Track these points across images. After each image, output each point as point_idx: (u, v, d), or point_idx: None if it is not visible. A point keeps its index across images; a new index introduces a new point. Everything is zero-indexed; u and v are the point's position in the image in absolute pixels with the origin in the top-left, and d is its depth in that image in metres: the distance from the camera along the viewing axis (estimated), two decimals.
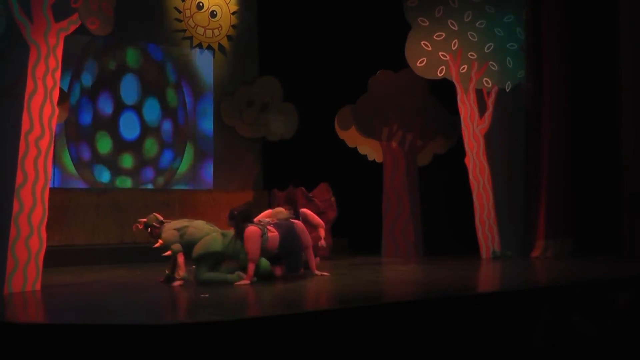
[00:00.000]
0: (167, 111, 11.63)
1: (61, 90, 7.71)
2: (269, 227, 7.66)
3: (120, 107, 11.22)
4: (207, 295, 6.70)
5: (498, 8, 10.40)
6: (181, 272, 7.51)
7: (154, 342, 4.77)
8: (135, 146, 11.35)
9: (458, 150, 10.45)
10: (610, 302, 4.12)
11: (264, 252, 7.56)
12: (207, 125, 11.99)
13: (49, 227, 7.07)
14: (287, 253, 7.77)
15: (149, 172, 11.49)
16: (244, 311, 6.12)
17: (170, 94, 11.67)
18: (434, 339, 3.57)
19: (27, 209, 6.79)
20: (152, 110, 11.49)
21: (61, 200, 10.05)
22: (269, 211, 8.37)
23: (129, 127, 11.27)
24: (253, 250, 7.43)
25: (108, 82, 11.12)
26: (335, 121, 11.01)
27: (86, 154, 10.99)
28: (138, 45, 11.32)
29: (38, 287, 6.90)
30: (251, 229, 7.51)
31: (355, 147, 11.07)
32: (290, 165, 11.44)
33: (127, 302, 6.52)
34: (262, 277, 7.57)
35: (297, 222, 7.99)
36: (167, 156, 11.65)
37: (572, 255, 10.17)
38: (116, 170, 11.23)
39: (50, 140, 7.03)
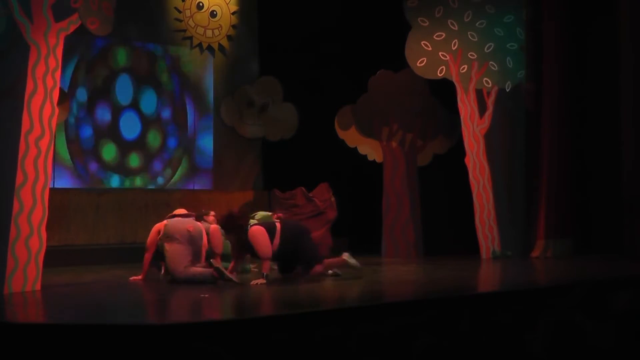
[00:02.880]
0: (165, 98, 11.58)
1: (61, 90, 7.70)
2: None
3: (118, 110, 11.17)
4: (207, 295, 6.70)
5: (498, 8, 10.40)
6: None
7: (154, 342, 4.77)
8: (139, 143, 11.32)
9: (458, 150, 10.45)
10: (611, 302, 4.13)
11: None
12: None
13: (49, 227, 7.06)
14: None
15: (157, 165, 11.47)
16: (244, 311, 6.11)
17: (165, 79, 11.61)
18: (434, 339, 3.57)
19: (27, 209, 6.78)
20: (149, 102, 11.43)
21: (61, 200, 10.04)
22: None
23: (129, 127, 11.24)
24: (264, 248, 7.42)
25: (103, 91, 11.05)
26: (335, 121, 11.01)
27: (93, 166, 10.97)
28: (126, 43, 11.25)
29: (38, 287, 6.90)
30: (256, 228, 7.51)
31: (355, 147, 11.06)
32: (290, 165, 11.44)
33: (127, 302, 6.52)
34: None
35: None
36: (171, 144, 11.63)
37: (572, 255, 10.17)
38: (125, 172, 11.22)
39: (51, 140, 7.03)
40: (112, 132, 11.10)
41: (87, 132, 10.93)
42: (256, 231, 7.46)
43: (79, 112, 10.85)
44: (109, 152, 11.08)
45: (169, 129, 11.61)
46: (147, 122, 11.39)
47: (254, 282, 7.32)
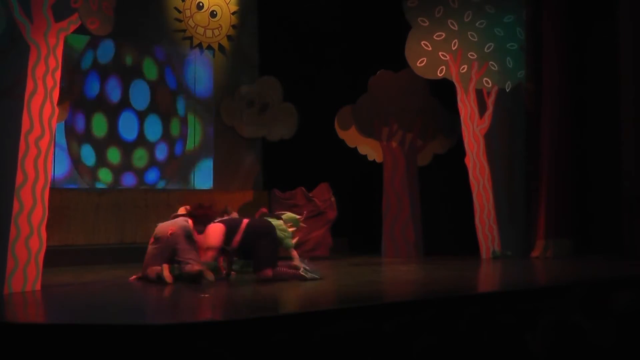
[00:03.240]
0: (165, 99, 11.54)
1: (61, 90, 7.69)
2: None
3: (115, 114, 11.13)
4: (207, 295, 6.71)
5: (498, 8, 10.40)
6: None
7: (154, 342, 4.77)
8: (140, 140, 11.30)
9: (458, 150, 10.45)
10: (610, 302, 4.12)
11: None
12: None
13: (49, 227, 7.06)
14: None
15: (157, 165, 11.46)
16: (244, 311, 6.11)
17: (165, 79, 11.58)
18: (434, 339, 3.57)
19: (27, 209, 6.78)
20: (148, 101, 11.40)
21: (61, 200, 10.04)
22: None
23: (128, 128, 11.22)
24: (209, 239, 7.65)
25: (100, 91, 11.01)
26: (335, 121, 11.01)
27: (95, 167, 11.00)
28: (125, 42, 11.21)
29: (38, 287, 6.90)
30: (214, 224, 7.72)
31: (355, 147, 11.06)
32: (290, 165, 11.44)
33: (127, 302, 6.52)
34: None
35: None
36: (172, 144, 11.63)
37: (572, 255, 10.17)
38: (133, 173, 11.20)
39: (51, 140, 7.03)
40: (113, 136, 11.06)
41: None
42: (211, 226, 7.68)
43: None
44: (114, 156, 11.07)
45: (169, 129, 11.59)
46: (146, 122, 11.38)
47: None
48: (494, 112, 10.36)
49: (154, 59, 11.54)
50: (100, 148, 10.99)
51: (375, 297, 6.98)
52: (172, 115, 11.62)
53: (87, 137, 10.93)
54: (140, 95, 11.35)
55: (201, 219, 7.82)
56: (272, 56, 12.17)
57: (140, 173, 11.36)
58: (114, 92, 11.13)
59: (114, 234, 10.70)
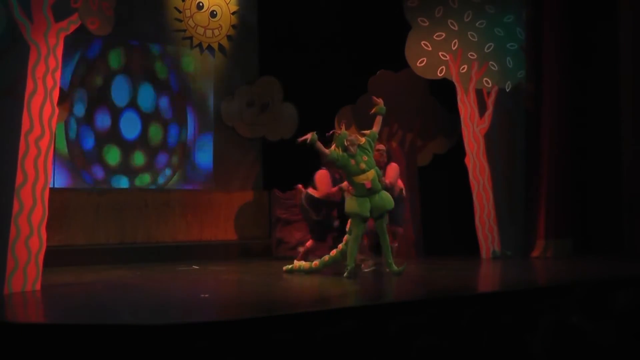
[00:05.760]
0: (164, 99, 11.55)
1: (61, 90, 7.70)
2: None
3: (116, 113, 11.14)
4: (207, 296, 6.71)
5: (498, 8, 10.41)
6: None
7: (154, 342, 4.77)
8: (141, 140, 11.30)
9: (458, 150, 10.45)
10: (611, 302, 4.12)
11: None
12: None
13: (49, 227, 7.06)
14: None
15: (158, 165, 11.46)
16: (244, 311, 6.11)
17: (164, 79, 11.58)
18: (434, 339, 3.57)
19: (27, 209, 6.78)
20: (148, 102, 11.40)
21: (61, 200, 10.03)
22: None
23: (130, 126, 11.22)
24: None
25: (101, 92, 11.02)
26: (335, 121, 11.00)
27: (99, 173, 10.96)
28: (125, 42, 11.21)
29: (38, 287, 6.90)
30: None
31: None
32: (290, 165, 11.42)
33: (127, 302, 6.52)
34: None
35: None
36: (173, 131, 11.62)
37: (572, 255, 10.18)
38: (132, 173, 11.21)
39: (51, 140, 7.03)
40: (113, 136, 11.06)
41: (89, 143, 10.88)
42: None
43: (79, 127, 10.82)
44: (113, 156, 11.05)
45: (168, 130, 11.60)
46: (146, 117, 11.36)
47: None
48: (494, 112, 10.36)
49: (154, 59, 11.54)
50: (99, 147, 10.99)
51: (375, 297, 6.98)
52: (172, 115, 11.62)
53: (86, 136, 10.93)
54: (141, 95, 11.36)
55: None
56: (272, 56, 12.17)
57: (140, 173, 11.36)
58: (115, 92, 11.14)
59: (114, 234, 10.69)
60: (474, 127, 10.28)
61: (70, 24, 7.20)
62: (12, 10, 6.77)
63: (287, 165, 11.50)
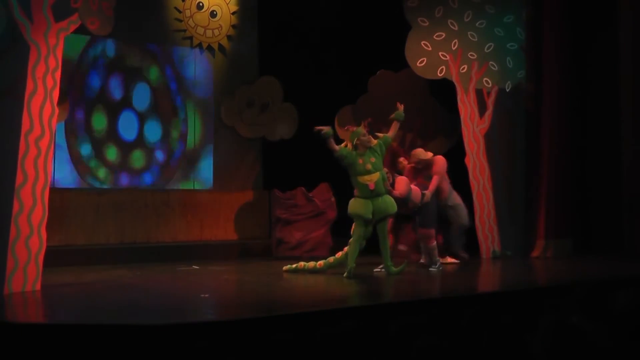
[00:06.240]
0: (164, 99, 11.53)
1: (61, 90, 7.70)
2: None
3: (115, 113, 11.12)
4: (207, 296, 6.71)
5: (498, 8, 10.40)
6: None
7: (154, 342, 4.77)
8: (140, 140, 11.29)
9: (458, 150, 10.44)
10: (611, 302, 4.12)
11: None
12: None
13: (49, 227, 7.06)
14: None
15: (158, 164, 11.45)
16: (244, 311, 6.11)
17: (164, 79, 11.56)
18: (434, 339, 3.57)
19: (27, 209, 6.79)
20: (148, 101, 11.38)
21: (61, 200, 10.04)
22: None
23: (128, 128, 11.22)
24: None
25: (100, 92, 10.99)
26: (335, 121, 11.00)
27: (99, 174, 10.97)
28: (125, 42, 11.19)
29: (38, 287, 6.90)
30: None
31: None
32: (290, 165, 11.43)
33: (127, 302, 6.52)
34: None
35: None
36: (173, 131, 11.59)
37: (572, 255, 10.18)
38: (132, 173, 11.20)
39: (51, 140, 7.03)
40: (113, 136, 11.06)
41: (87, 149, 10.91)
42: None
43: (78, 114, 10.83)
44: (111, 155, 11.06)
45: (168, 130, 11.59)
46: (142, 116, 11.35)
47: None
48: (494, 112, 10.36)
49: (154, 58, 11.54)
50: (98, 147, 10.98)
51: (375, 297, 6.98)
52: (172, 115, 11.62)
53: (86, 135, 10.92)
54: (140, 95, 11.36)
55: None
56: (272, 56, 12.17)
57: (140, 173, 11.36)
58: (115, 91, 11.14)
59: (114, 234, 10.69)
60: (474, 127, 10.28)
61: (70, 24, 7.21)
62: (12, 10, 6.77)
63: (287, 165, 11.52)
